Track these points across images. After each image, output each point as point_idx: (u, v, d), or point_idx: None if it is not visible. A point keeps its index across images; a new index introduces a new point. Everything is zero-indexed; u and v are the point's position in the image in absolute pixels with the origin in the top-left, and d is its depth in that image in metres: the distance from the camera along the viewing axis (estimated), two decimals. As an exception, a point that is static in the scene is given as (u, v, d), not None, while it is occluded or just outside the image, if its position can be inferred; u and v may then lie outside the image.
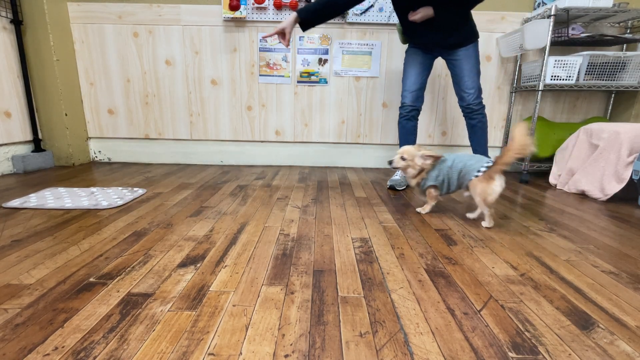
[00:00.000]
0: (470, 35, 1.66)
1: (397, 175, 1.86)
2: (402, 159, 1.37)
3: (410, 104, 1.81)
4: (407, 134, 1.87)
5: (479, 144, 1.82)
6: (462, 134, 2.41)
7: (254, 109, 2.39)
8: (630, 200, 1.68)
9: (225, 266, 0.92)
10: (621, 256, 1.04)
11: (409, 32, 1.73)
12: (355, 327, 0.68)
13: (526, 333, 0.67)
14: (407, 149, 1.37)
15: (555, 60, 1.96)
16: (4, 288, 0.79)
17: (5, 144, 2.03)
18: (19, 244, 1.03)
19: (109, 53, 2.29)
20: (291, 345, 0.62)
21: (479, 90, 1.72)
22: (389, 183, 1.84)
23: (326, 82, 2.33)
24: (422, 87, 1.80)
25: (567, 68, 1.97)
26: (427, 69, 1.79)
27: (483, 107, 1.75)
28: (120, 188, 1.70)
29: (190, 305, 0.73)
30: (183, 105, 2.38)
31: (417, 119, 1.86)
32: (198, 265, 0.92)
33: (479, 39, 1.70)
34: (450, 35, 1.65)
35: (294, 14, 1.55)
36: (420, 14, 1.54)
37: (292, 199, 1.60)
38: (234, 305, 0.74)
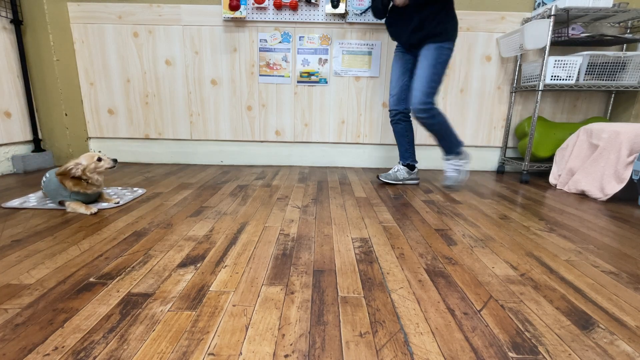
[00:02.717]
0: (436, 32, 1.59)
1: (390, 172, 1.94)
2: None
3: (393, 108, 1.86)
4: (399, 136, 1.92)
5: (439, 144, 1.80)
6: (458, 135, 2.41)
7: (254, 109, 2.39)
8: (630, 200, 1.68)
9: (225, 266, 0.92)
10: (621, 256, 1.04)
11: (387, 23, 1.76)
12: (355, 327, 0.68)
13: (526, 333, 0.67)
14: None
15: (555, 60, 1.96)
16: (4, 288, 0.79)
17: (5, 144, 2.03)
18: (19, 244, 1.03)
19: (109, 53, 2.29)
20: (291, 345, 0.62)
21: (426, 96, 1.62)
22: (381, 178, 1.93)
23: (326, 82, 2.33)
24: (402, 90, 1.81)
25: (567, 68, 1.97)
26: (408, 71, 1.80)
27: (426, 116, 1.65)
28: (120, 188, 1.70)
29: (190, 305, 0.73)
30: (183, 105, 2.38)
31: (407, 121, 1.87)
32: (198, 265, 0.92)
33: (451, 45, 1.62)
34: (419, 30, 1.62)
35: None
36: None
37: (292, 199, 1.60)
38: (234, 305, 0.74)
